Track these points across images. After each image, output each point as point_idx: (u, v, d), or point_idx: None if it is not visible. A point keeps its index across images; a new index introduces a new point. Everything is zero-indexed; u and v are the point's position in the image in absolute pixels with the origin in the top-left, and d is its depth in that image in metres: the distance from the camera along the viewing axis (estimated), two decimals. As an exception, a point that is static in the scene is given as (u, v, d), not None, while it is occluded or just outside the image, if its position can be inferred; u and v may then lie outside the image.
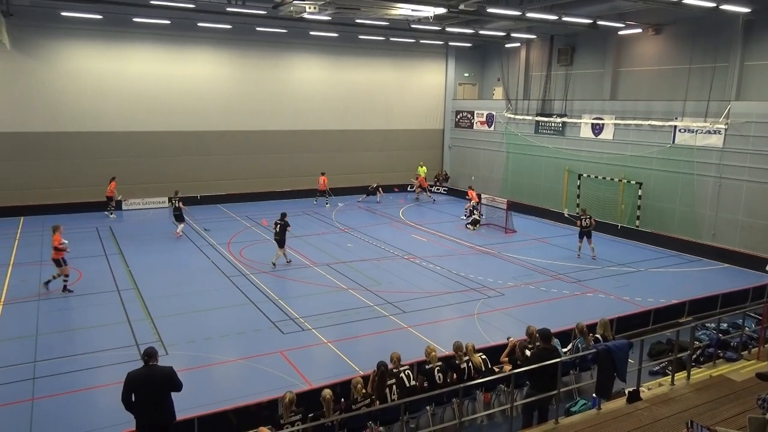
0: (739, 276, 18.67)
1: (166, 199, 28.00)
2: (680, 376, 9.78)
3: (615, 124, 24.86)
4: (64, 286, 15.90)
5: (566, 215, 21.55)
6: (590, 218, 20.32)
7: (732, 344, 11.89)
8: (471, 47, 33.83)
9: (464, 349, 9.83)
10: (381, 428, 8.90)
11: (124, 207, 26.91)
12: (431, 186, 34.30)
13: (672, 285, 17.63)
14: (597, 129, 25.78)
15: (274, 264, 18.67)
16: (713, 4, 18.17)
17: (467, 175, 33.32)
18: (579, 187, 26.12)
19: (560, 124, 27.56)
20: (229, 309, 15.02)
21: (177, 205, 22.35)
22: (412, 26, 25.65)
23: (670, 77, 23.60)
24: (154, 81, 27.39)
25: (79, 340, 13.01)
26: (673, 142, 22.47)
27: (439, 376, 9.40)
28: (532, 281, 17.74)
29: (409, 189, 33.48)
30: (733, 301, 15.22)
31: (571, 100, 27.42)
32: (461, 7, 19.23)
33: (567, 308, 15.36)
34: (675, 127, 22.36)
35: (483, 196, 26.79)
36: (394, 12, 20.49)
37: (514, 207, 25.61)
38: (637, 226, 23.54)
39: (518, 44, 30.68)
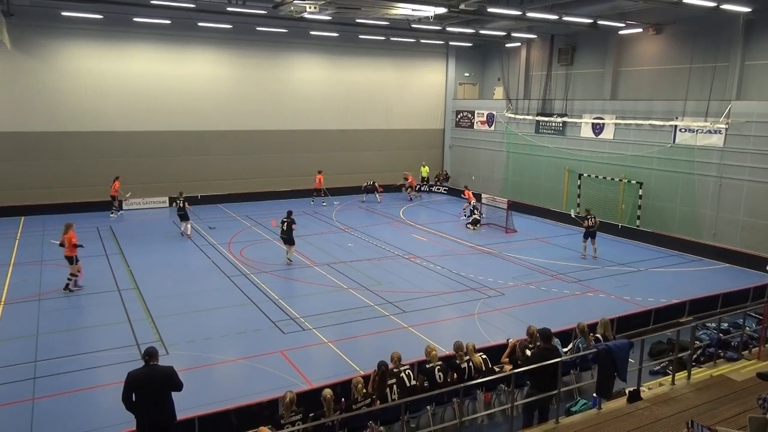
0: (740, 276, 18.66)
1: (167, 198, 28.05)
2: (681, 375, 9.77)
3: (615, 124, 24.85)
4: (75, 281, 16.05)
5: (573, 216, 21.55)
6: (595, 218, 20.34)
7: (732, 344, 11.88)
8: (471, 47, 33.83)
9: (465, 349, 9.82)
10: (381, 428, 8.89)
11: (124, 207, 26.90)
12: (431, 186, 34.38)
13: (672, 285, 17.62)
14: (597, 129, 25.77)
15: (289, 260, 19.04)
16: (714, 4, 18.14)
17: (468, 174, 33.32)
18: (579, 186, 26.11)
19: (561, 124, 27.55)
20: (229, 309, 15.02)
21: (181, 205, 22.43)
22: (413, 26, 25.64)
23: (671, 77, 23.59)
24: (154, 81, 27.40)
25: (79, 339, 13.01)
26: (674, 141, 22.46)
27: (439, 376, 9.40)
28: (533, 281, 17.73)
29: (404, 190, 33.05)
30: (733, 301, 15.21)
31: (572, 100, 27.41)
32: (462, 6, 19.21)
33: (567, 308, 15.36)
34: (675, 126, 22.35)
35: (483, 195, 26.79)
36: (394, 12, 20.49)
37: (514, 207, 25.60)
38: (637, 226, 23.53)
39: (519, 44, 30.67)
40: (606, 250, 21.02)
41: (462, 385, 8.78)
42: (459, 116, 34.53)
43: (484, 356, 10.00)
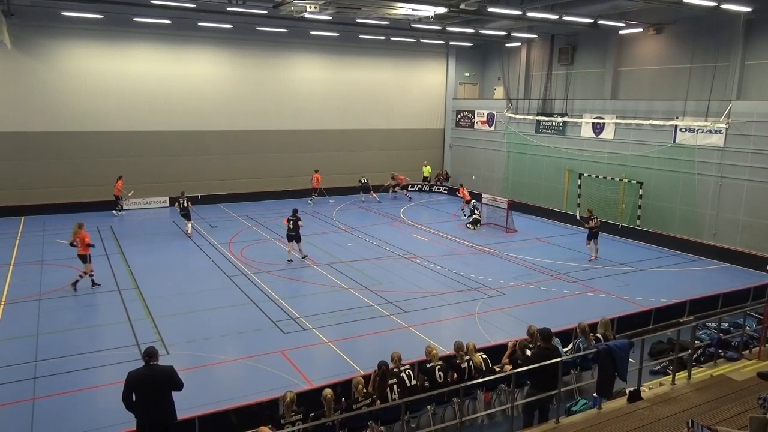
0: (740, 275, 18.65)
1: (167, 198, 28.05)
2: (681, 375, 9.77)
3: (616, 124, 24.84)
4: (92, 280, 16.29)
5: (578, 218, 21.55)
6: (597, 218, 20.34)
7: (733, 344, 11.87)
8: (472, 47, 33.81)
9: (465, 349, 9.82)
10: (382, 428, 8.89)
11: (124, 207, 26.89)
12: (432, 186, 34.38)
13: (673, 284, 17.62)
14: (598, 128, 25.76)
15: (304, 257, 19.28)
16: (714, 4, 18.12)
17: (468, 174, 33.32)
18: (580, 186, 26.10)
19: (561, 124, 27.54)
20: (229, 308, 15.02)
21: (184, 204, 22.48)
22: (413, 26, 25.62)
23: (671, 76, 23.58)
24: (154, 81, 27.40)
25: (79, 339, 13.00)
26: (674, 141, 22.45)
27: (439, 375, 9.40)
28: (533, 281, 17.73)
29: (390, 191, 32.59)
30: (733, 301, 15.20)
31: (572, 100, 27.40)
32: (462, 6, 19.19)
33: (568, 308, 15.35)
34: (676, 126, 22.33)
35: (483, 195, 26.77)
36: (394, 11, 20.49)
37: (514, 206, 25.59)
38: (637, 226, 23.52)
39: (519, 43, 30.66)
40: (606, 250, 21.01)
41: (462, 385, 8.78)
42: (459, 116, 34.53)
43: (484, 356, 10.01)
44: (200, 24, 26.09)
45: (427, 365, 9.51)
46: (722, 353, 11.29)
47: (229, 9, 22.64)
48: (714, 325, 12.87)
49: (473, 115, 33.50)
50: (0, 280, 16.86)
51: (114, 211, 26.10)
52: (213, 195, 29.04)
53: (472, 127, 33.64)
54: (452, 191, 33.39)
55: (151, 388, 7.47)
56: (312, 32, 28.77)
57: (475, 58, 34.72)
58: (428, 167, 34.24)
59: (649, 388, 9.53)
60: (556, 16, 21.67)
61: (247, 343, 12.95)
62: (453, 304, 15.64)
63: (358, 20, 24.87)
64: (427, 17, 21.32)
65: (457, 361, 9.66)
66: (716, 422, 7.31)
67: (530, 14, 20.94)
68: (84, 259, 16.01)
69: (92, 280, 16.33)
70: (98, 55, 26.19)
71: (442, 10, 19.82)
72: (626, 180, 24.11)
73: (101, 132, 26.73)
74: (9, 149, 25.18)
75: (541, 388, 8.55)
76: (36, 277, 17.09)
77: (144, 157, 27.81)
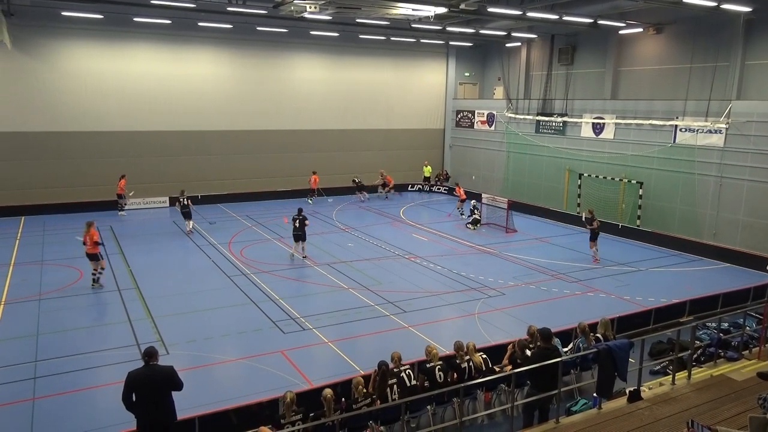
0: (740, 275, 18.65)
1: (167, 198, 28.04)
2: (681, 375, 9.77)
3: (616, 124, 24.85)
4: (98, 278, 16.32)
5: (583, 219, 21.55)
6: (597, 220, 20.33)
7: (733, 344, 11.87)
8: (471, 46, 33.81)
9: (465, 349, 9.82)
10: (382, 428, 8.89)
11: (125, 207, 26.87)
12: (432, 186, 34.39)
13: (673, 284, 17.61)
14: (598, 128, 25.76)
15: (305, 257, 19.35)
16: (714, 4, 18.13)
17: (468, 174, 33.33)
18: (580, 186, 26.11)
19: (561, 124, 27.54)
20: (229, 308, 15.02)
21: (185, 203, 22.50)
22: (413, 26, 25.63)
23: (671, 76, 23.58)
24: (154, 81, 27.39)
25: (79, 339, 13.00)
26: (674, 141, 22.45)
27: (439, 375, 9.40)
28: (533, 281, 17.73)
29: (379, 190, 32.48)
30: (733, 301, 15.21)
31: (572, 100, 27.40)
32: (462, 6, 19.20)
33: (568, 308, 15.35)
34: (676, 126, 22.34)
35: (483, 195, 26.77)
36: (394, 11, 20.49)
37: (514, 206, 25.58)
38: (637, 226, 23.52)
39: (519, 43, 30.66)
40: (606, 250, 21.00)
41: (462, 384, 8.78)
42: (459, 116, 34.52)
43: (484, 356, 10.00)
44: (200, 24, 26.09)
45: (427, 365, 9.51)
46: (722, 353, 11.29)
47: (229, 9, 22.64)
48: (714, 325, 12.87)
49: (473, 115, 33.50)
50: (0, 280, 16.86)
51: (120, 213, 26.15)
52: (213, 195, 29.03)
53: (472, 127, 33.64)
54: (452, 191, 33.39)
55: (151, 388, 7.47)
56: (312, 32, 28.77)
57: (475, 58, 34.72)
58: (429, 167, 34.25)
59: (649, 388, 9.53)
60: (556, 16, 21.67)
61: (247, 343, 12.95)
62: (453, 304, 15.64)
63: (358, 20, 24.87)
64: (427, 17, 21.32)
65: (457, 361, 9.66)
66: (716, 422, 7.31)
67: (530, 14, 20.94)
68: (94, 257, 16.10)
69: (97, 278, 16.29)
70: (98, 55, 26.19)
71: (442, 10, 19.82)
72: (626, 180, 24.11)
73: (101, 132, 26.73)
74: (9, 149, 25.18)
75: (541, 388, 8.55)
76: (36, 277, 17.08)
77: (144, 157, 27.81)
